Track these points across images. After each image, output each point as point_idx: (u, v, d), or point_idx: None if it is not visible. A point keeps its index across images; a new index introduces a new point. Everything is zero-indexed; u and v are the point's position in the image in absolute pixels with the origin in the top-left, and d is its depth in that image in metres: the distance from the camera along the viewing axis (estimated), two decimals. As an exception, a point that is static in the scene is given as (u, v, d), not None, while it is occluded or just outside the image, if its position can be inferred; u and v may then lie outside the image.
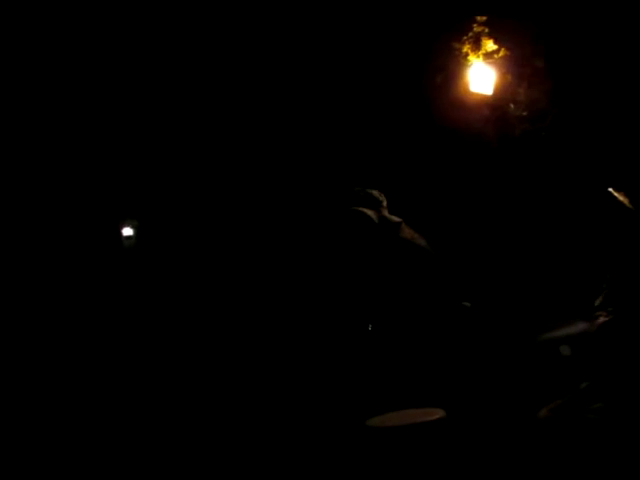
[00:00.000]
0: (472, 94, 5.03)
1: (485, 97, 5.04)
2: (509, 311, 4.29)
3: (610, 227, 3.43)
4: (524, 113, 5.10)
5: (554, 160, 4.94)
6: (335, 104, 5.76)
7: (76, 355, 5.52)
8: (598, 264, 3.50)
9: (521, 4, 4.97)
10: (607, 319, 3.17)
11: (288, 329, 5.03)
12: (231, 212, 6.15)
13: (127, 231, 6.70)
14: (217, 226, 6.17)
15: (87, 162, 6.17)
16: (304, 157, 5.87)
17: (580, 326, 3.46)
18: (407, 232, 4.02)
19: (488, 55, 5.02)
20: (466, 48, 5.07)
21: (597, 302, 3.29)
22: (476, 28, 5.06)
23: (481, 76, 4.96)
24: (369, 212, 4.02)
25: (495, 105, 5.12)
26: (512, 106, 5.11)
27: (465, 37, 5.09)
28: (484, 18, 5.05)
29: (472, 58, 5.05)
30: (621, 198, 3.37)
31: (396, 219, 4.05)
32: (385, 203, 4.11)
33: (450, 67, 5.17)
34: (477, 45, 5.05)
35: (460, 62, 5.10)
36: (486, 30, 5.04)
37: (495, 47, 5.03)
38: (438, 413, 3.18)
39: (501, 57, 5.01)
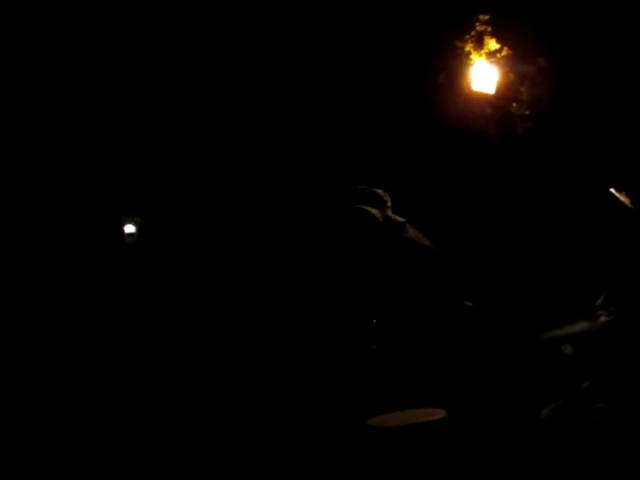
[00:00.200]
0: (475, 93, 5.03)
1: (488, 96, 5.04)
2: (511, 310, 4.29)
3: (612, 227, 3.44)
4: (527, 112, 5.09)
5: (556, 159, 4.94)
6: (339, 103, 5.76)
7: (78, 351, 5.54)
8: (600, 263, 3.51)
9: (523, 3, 4.96)
10: (609, 318, 3.18)
11: (291, 328, 5.04)
12: (234, 210, 6.16)
13: (129, 228, 6.72)
14: (220, 224, 6.18)
15: (90, 160, 6.19)
16: (309, 156, 5.87)
17: (582, 325, 3.46)
18: (411, 232, 4.02)
19: (490, 54, 5.02)
20: (468, 47, 5.07)
21: (599, 301, 3.30)
22: (479, 27, 5.06)
23: (483, 75, 4.95)
24: (374, 211, 4.01)
25: (498, 104, 5.12)
26: (515, 105, 5.11)
27: (467, 36, 5.09)
28: (487, 17, 5.05)
29: (474, 57, 5.05)
30: (622, 198, 3.38)
31: (400, 219, 4.04)
32: (390, 203, 4.11)
33: (453, 66, 5.17)
34: (479, 44, 5.04)
35: (462, 61, 5.10)
36: (488, 29, 5.04)
37: (497, 46, 5.03)
38: (440, 413, 3.18)
39: (503, 56, 5.01)
